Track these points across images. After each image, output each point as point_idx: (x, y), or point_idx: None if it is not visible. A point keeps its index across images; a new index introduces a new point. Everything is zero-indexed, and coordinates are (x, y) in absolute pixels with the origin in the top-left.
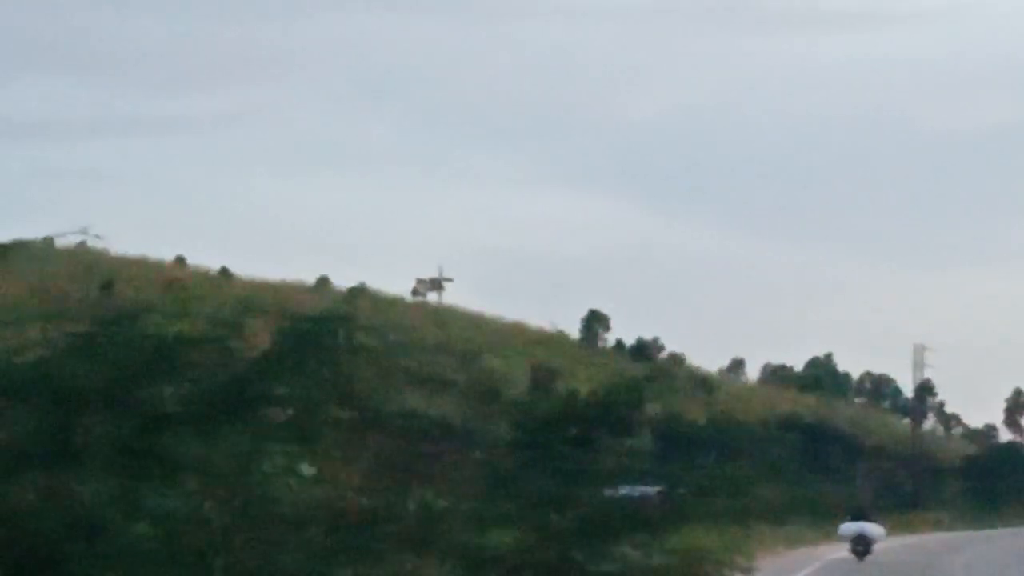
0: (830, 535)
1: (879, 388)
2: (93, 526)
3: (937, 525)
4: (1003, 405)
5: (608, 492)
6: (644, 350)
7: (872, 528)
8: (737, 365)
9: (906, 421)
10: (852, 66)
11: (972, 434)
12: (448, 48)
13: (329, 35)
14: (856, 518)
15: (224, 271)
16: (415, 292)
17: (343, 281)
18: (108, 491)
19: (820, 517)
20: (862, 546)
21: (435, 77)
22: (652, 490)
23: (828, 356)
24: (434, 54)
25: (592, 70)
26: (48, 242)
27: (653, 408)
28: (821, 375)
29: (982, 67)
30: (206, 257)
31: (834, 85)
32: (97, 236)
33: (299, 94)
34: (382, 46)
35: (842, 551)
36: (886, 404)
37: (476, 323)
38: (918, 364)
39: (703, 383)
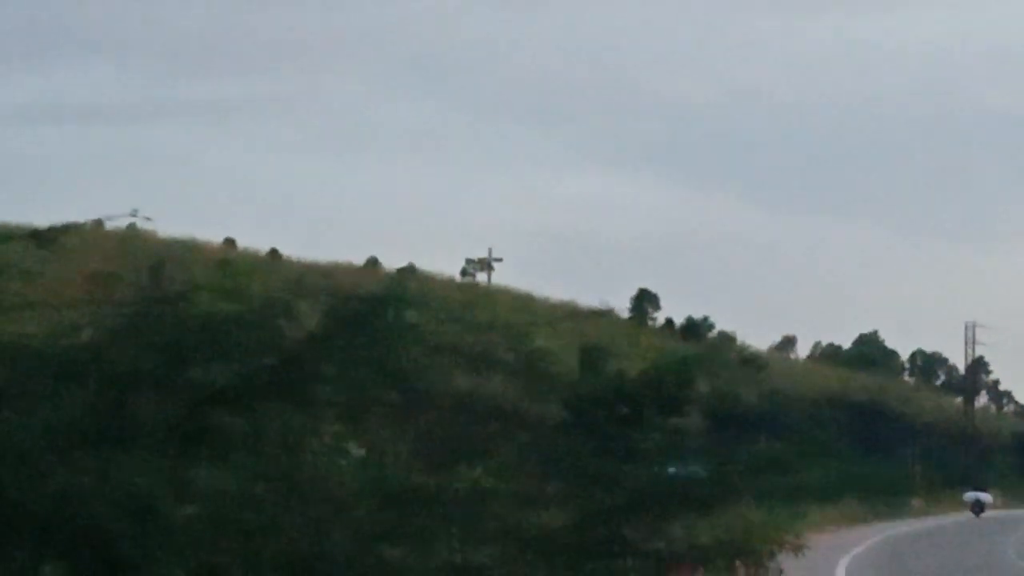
0: (881, 514)
1: (930, 366)
2: (143, 507)
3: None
4: None
5: (670, 470)
6: (694, 329)
7: (985, 496)
8: (787, 343)
9: (958, 399)
10: (906, 44)
11: None
12: (496, 28)
13: (378, 18)
14: (976, 489)
15: (273, 252)
16: (464, 273)
17: (392, 262)
18: (158, 472)
19: (872, 495)
20: (978, 508)
21: (484, 57)
22: (699, 469)
23: (875, 333)
24: (482, 34)
25: (643, 50)
26: (98, 225)
27: (703, 387)
28: (869, 352)
29: None
30: (255, 239)
31: (885, 63)
32: (147, 218)
33: (348, 76)
34: (430, 27)
35: (892, 530)
36: (939, 382)
37: (525, 303)
38: (970, 342)
39: (753, 361)
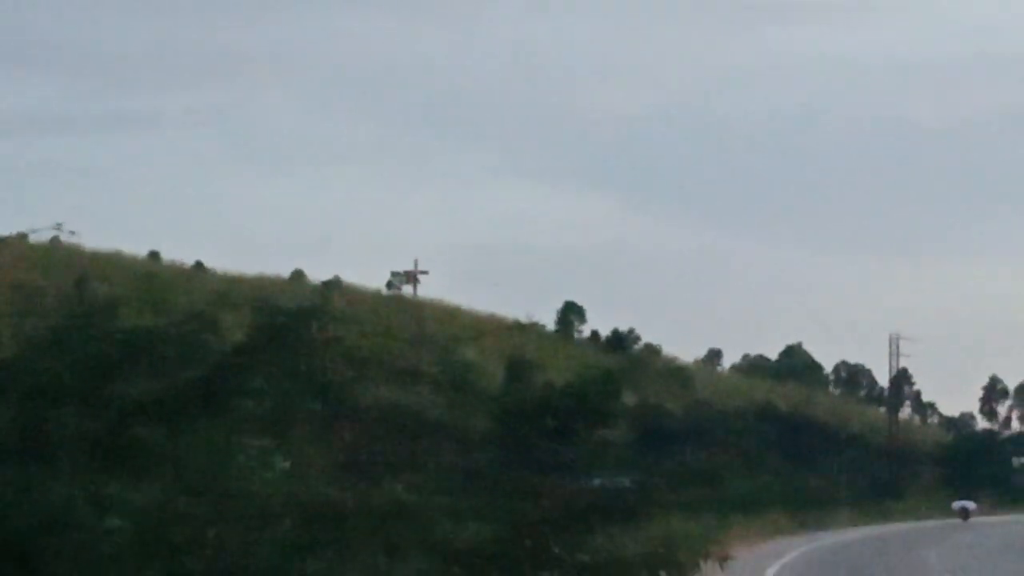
0: (808, 525)
1: (855, 377)
2: (64, 521)
3: (913, 513)
4: (979, 393)
5: (595, 482)
6: (620, 341)
7: (971, 504)
8: (714, 356)
9: (882, 410)
10: (826, 60)
11: (948, 422)
12: (422, 45)
13: (304, 34)
14: (963, 498)
15: (199, 265)
16: (390, 285)
17: (318, 275)
18: (80, 486)
19: (799, 506)
20: (964, 514)
21: (410, 73)
22: (625, 480)
23: (800, 345)
24: (408, 51)
25: (570, 65)
26: (22, 238)
27: (629, 399)
28: (795, 364)
29: (955, 62)
30: (181, 252)
31: (807, 79)
32: (71, 232)
33: (275, 92)
34: (356, 44)
35: (819, 541)
36: (862, 393)
37: (451, 316)
38: (894, 353)
39: (679, 373)
